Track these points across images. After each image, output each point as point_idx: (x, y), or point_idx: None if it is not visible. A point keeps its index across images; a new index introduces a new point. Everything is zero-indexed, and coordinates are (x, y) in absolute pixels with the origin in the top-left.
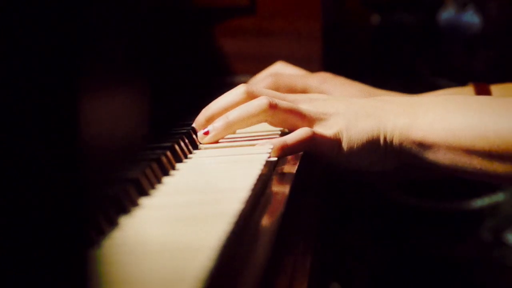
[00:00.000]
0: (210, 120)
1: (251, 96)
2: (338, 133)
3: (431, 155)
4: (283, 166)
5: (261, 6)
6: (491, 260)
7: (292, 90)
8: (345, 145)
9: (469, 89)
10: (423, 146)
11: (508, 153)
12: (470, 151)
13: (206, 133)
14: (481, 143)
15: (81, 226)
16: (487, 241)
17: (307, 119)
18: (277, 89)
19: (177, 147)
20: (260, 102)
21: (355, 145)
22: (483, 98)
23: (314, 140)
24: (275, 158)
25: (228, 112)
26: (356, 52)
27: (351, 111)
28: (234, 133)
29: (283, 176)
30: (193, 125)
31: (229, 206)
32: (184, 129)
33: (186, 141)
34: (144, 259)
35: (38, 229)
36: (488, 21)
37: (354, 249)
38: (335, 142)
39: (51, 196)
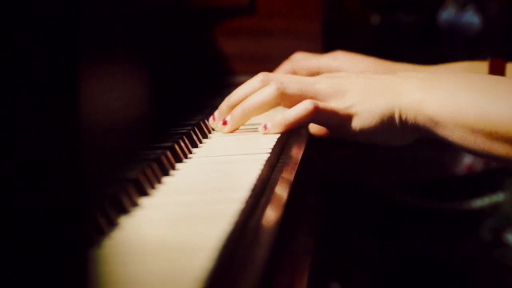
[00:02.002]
0: (231, 109)
1: (266, 83)
2: (351, 107)
3: (441, 131)
4: (283, 166)
5: (261, 6)
6: (491, 260)
7: (307, 72)
8: (358, 120)
9: (484, 64)
10: (434, 121)
11: (507, 136)
12: (474, 130)
13: (225, 123)
14: (483, 124)
15: (81, 226)
16: (487, 241)
17: (320, 97)
18: (294, 73)
19: (177, 147)
20: (269, 89)
21: (369, 120)
22: (495, 79)
23: (320, 113)
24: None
25: (242, 103)
26: (356, 52)
27: (367, 87)
28: (248, 119)
29: (283, 176)
30: (215, 113)
31: (229, 206)
32: (184, 129)
33: (186, 141)
34: (144, 259)
35: (38, 229)
36: (488, 21)
37: (354, 249)
38: (347, 116)
39: (51, 196)
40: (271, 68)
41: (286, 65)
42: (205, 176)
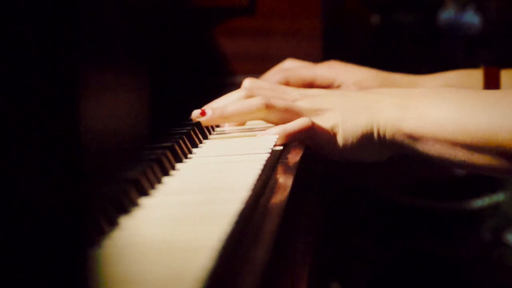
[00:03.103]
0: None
1: (251, 95)
2: (334, 126)
3: (421, 147)
4: (283, 166)
5: (261, 6)
6: (491, 260)
7: (301, 82)
8: (340, 139)
9: (478, 72)
10: (413, 138)
11: (487, 147)
12: (454, 144)
13: (203, 114)
14: (462, 137)
15: (81, 226)
16: (487, 241)
17: (303, 116)
18: (287, 83)
19: (177, 147)
20: (256, 102)
21: (350, 139)
22: (472, 92)
23: (313, 130)
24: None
25: (227, 104)
26: (356, 52)
27: (347, 106)
28: (227, 122)
29: (283, 176)
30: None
31: (229, 206)
32: (184, 129)
33: (186, 141)
34: (144, 259)
35: (38, 229)
36: (488, 21)
37: (354, 249)
38: (331, 135)
39: (51, 196)
40: (271, 68)
41: (279, 74)
42: (205, 176)
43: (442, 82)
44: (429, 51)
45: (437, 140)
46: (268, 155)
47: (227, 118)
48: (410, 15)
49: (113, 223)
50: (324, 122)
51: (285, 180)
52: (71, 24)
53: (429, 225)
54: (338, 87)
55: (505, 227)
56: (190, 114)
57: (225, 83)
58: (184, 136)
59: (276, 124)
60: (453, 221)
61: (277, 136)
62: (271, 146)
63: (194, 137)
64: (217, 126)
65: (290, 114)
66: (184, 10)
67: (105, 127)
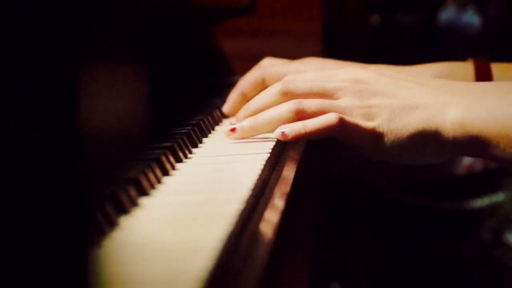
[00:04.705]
0: (247, 117)
1: (286, 96)
2: (379, 126)
3: (490, 150)
4: (283, 166)
5: (261, 6)
6: (491, 260)
7: (278, 79)
8: (387, 139)
9: (468, 64)
10: (480, 141)
11: None
12: None
13: (233, 130)
14: None
15: (81, 226)
16: (487, 241)
17: (343, 113)
18: (263, 81)
19: (177, 147)
20: (287, 108)
21: (399, 140)
22: None
23: (345, 129)
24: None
25: (257, 116)
26: (356, 52)
27: (397, 102)
28: (259, 134)
29: (283, 176)
30: (234, 121)
31: (229, 206)
32: (184, 129)
33: (186, 141)
34: (144, 259)
35: (38, 229)
36: (488, 21)
37: (354, 249)
38: (374, 135)
39: (51, 196)
40: None
41: (254, 73)
42: (205, 176)
43: (430, 74)
44: (429, 51)
45: (510, 141)
46: (268, 155)
47: (258, 129)
48: (410, 15)
49: (113, 223)
50: (368, 119)
51: (285, 180)
52: (71, 24)
53: (429, 225)
54: None
55: (505, 227)
56: (190, 114)
57: (225, 83)
58: (184, 136)
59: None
60: (453, 221)
61: (278, 136)
62: (271, 146)
63: (194, 137)
64: (217, 124)
65: (328, 112)
66: (184, 10)
67: (105, 127)
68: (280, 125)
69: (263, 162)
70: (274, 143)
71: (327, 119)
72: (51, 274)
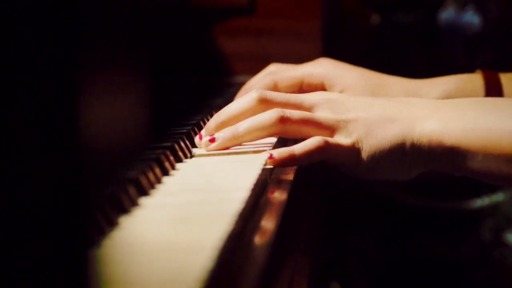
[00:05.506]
0: (220, 127)
1: (264, 103)
2: (357, 141)
3: (465, 163)
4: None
5: (260, 6)
6: (491, 260)
7: (290, 83)
8: (365, 155)
9: (477, 76)
10: (456, 153)
11: None
12: (511, 158)
13: (212, 140)
14: None
15: (81, 226)
16: (487, 241)
17: (324, 128)
18: (275, 85)
19: (177, 147)
20: (269, 116)
21: (377, 154)
22: None
23: (329, 150)
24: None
25: (238, 124)
26: (356, 52)
27: (372, 116)
28: (240, 144)
29: (283, 176)
30: (203, 131)
31: (229, 206)
32: (184, 129)
33: (186, 141)
34: (144, 259)
35: (38, 229)
36: (488, 21)
37: (354, 249)
38: (354, 151)
39: (51, 196)
40: None
41: (266, 78)
42: (205, 176)
43: (440, 89)
44: (429, 51)
45: (488, 155)
46: (268, 154)
47: (239, 138)
48: (410, 15)
49: (113, 223)
50: (346, 136)
51: (285, 180)
52: (71, 25)
53: (429, 225)
54: (330, 87)
55: (505, 227)
56: (190, 114)
57: (225, 83)
58: (184, 136)
59: (293, 137)
60: (453, 221)
61: (278, 137)
62: (273, 142)
63: (194, 137)
64: None
65: (308, 125)
66: (184, 10)
67: (105, 127)
68: (263, 133)
69: (263, 162)
70: (274, 142)
71: (315, 142)
72: (51, 274)
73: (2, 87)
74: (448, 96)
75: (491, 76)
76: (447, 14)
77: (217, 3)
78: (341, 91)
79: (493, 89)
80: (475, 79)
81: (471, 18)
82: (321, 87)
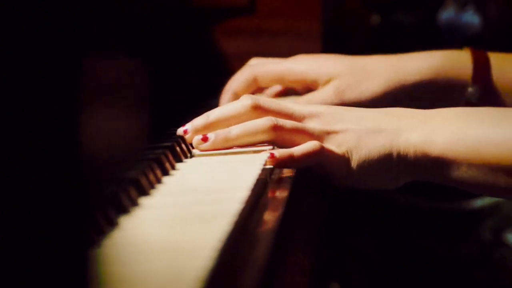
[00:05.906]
0: (208, 127)
1: (257, 110)
2: (347, 151)
3: (450, 173)
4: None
5: (260, 6)
6: (491, 260)
7: (270, 77)
8: (354, 165)
9: (466, 54)
10: (442, 163)
11: None
12: (496, 169)
13: (205, 139)
14: (507, 159)
15: (81, 226)
16: (487, 241)
17: (315, 138)
18: (255, 79)
19: (177, 147)
20: (263, 123)
21: (366, 164)
22: (503, 110)
23: (323, 156)
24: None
25: (231, 128)
26: (356, 52)
27: (361, 127)
28: (231, 148)
29: (283, 176)
30: (188, 125)
31: (229, 206)
32: None
33: (186, 141)
34: (144, 259)
35: (38, 229)
36: (488, 21)
37: (354, 249)
38: (344, 161)
39: (51, 196)
40: None
41: (245, 72)
42: (205, 176)
43: (426, 64)
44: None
45: (473, 165)
46: (269, 154)
47: (231, 141)
48: (410, 15)
49: (113, 223)
50: (336, 146)
51: (285, 180)
52: (72, 25)
53: (429, 225)
54: (313, 81)
55: (505, 227)
56: (190, 114)
57: (225, 83)
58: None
59: (282, 146)
60: (453, 221)
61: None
62: (272, 146)
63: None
64: None
65: (299, 134)
66: (184, 10)
67: (105, 127)
68: (254, 139)
69: (263, 161)
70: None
71: (312, 146)
72: (51, 274)
73: (2, 87)
74: (435, 72)
75: (480, 55)
76: (447, 14)
77: (217, 3)
78: (327, 82)
79: (482, 69)
80: (464, 57)
81: (471, 18)
82: (303, 83)
